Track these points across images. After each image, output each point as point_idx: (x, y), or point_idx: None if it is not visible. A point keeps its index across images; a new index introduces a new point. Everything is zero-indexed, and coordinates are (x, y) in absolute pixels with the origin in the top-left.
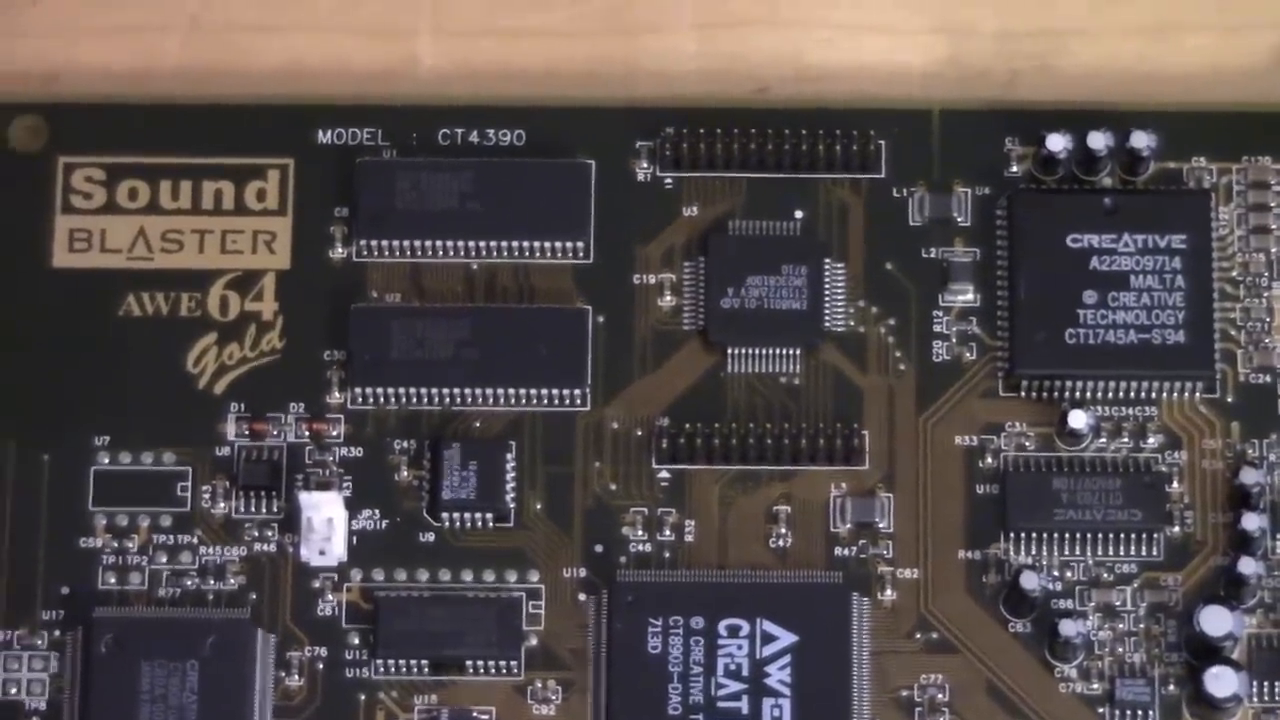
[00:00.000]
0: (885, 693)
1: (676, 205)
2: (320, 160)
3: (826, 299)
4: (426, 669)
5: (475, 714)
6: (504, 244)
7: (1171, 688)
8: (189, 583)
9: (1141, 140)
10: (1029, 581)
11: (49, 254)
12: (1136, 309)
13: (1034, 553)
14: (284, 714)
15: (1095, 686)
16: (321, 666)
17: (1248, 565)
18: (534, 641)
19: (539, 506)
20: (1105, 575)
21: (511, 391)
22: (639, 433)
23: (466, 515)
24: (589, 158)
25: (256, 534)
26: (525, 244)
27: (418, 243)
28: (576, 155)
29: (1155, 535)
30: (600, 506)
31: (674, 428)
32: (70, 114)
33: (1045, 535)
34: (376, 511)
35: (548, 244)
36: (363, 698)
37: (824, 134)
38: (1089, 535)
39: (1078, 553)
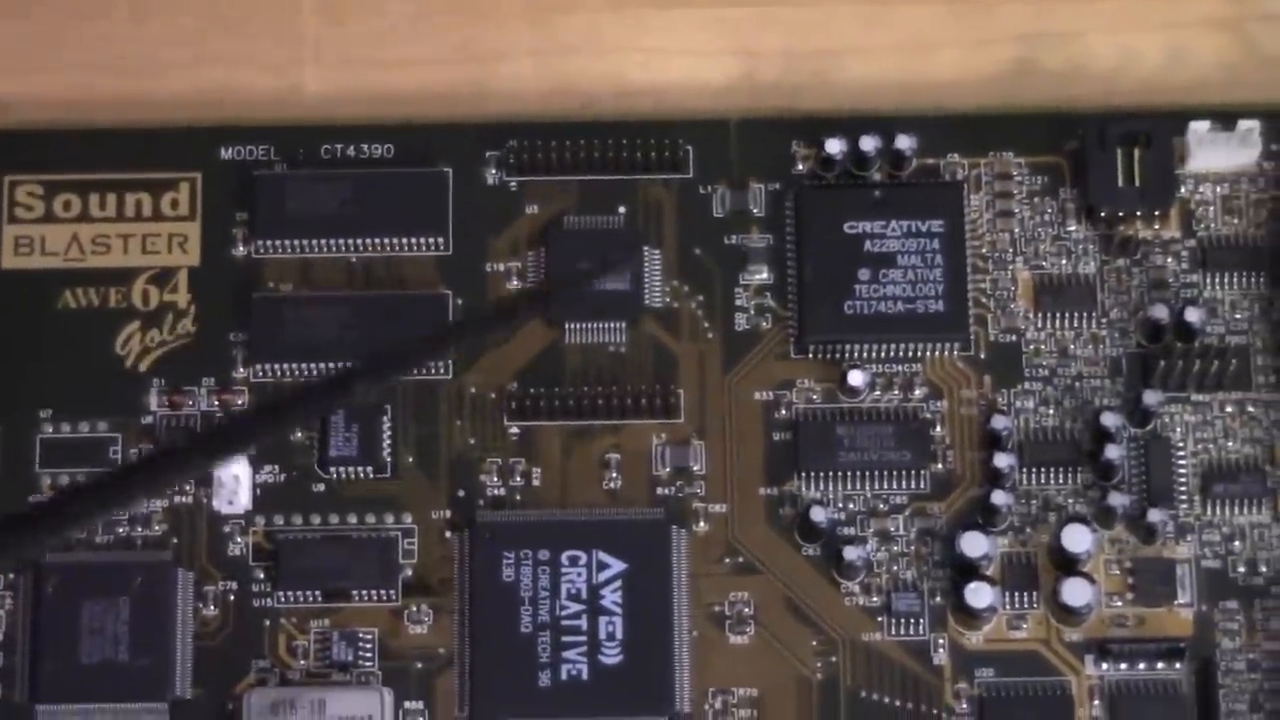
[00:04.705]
0: (701, 609)
1: (520, 205)
2: (223, 174)
3: (646, 280)
4: (320, 598)
5: (361, 634)
6: (377, 241)
7: (938, 599)
8: (120, 530)
9: (904, 142)
10: (817, 515)
11: None
12: (903, 283)
13: (822, 489)
14: (202, 638)
15: (875, 599)
16: (233, 598)
17: (999, 496)
18: (409, 573)
19: (410, 460)
20: (881, 506)
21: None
22: (493, 396)
23: (350, 469)
24: (447, 166)
25: (176, 489)
26: (395, 240)
27: (306, 241)
28: (437, 165)
29: (922, 471)
30: (461, 458)
31: (521, 391)
32: (14, 140)
33: (831, 474)
34: (276, 467)
35: (413, 240)
36: (267, 623)
37: (640, 142)
38: (867, 473)
39: (858, 487)
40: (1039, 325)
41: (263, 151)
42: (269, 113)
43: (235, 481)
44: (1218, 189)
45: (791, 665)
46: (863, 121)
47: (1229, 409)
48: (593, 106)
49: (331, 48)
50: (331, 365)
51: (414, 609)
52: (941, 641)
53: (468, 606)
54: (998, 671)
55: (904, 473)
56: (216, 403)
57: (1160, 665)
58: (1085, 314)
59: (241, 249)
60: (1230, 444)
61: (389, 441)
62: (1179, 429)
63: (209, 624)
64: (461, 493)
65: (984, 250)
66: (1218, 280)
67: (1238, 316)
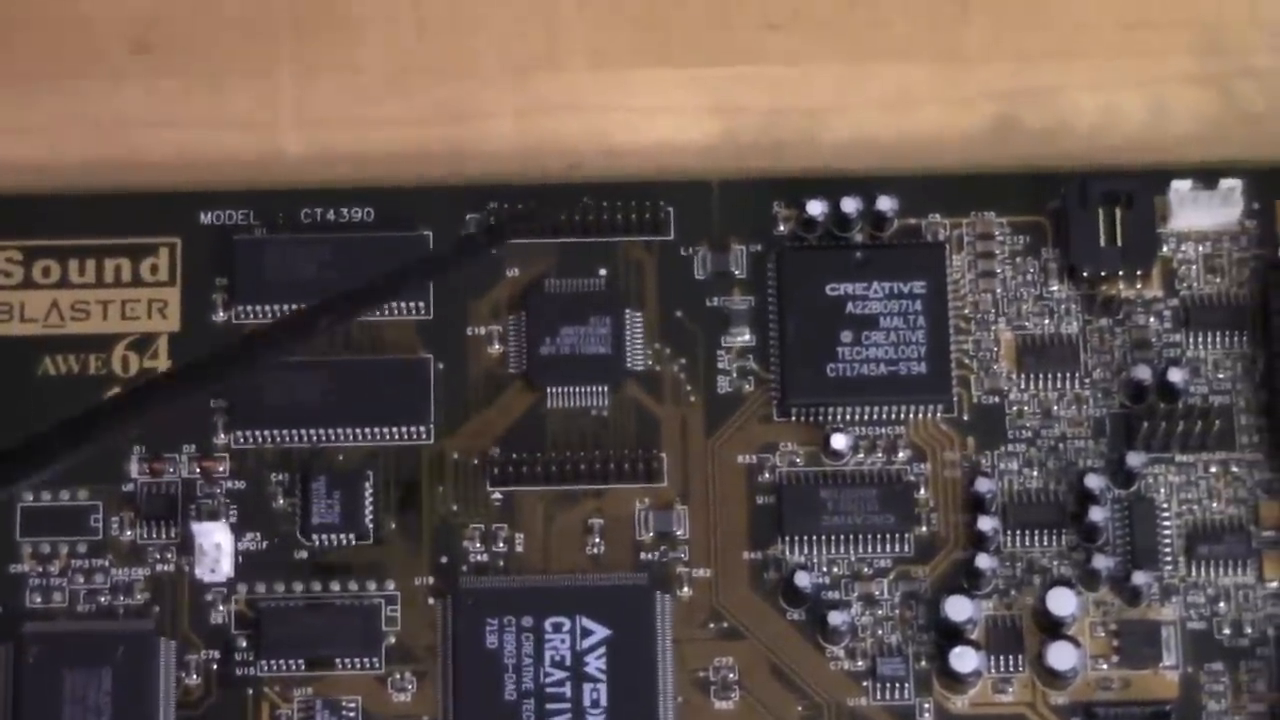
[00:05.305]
0: (685, 674)
1: (501, 268)
2: (203, 238)
3: (628, 343)
4: (303, 666)
5: (344, 703)
6: None
7: (923, 664)
8: (102, 599)
9: (885, 203)
10: (802, 580)
11: None
12: (885, 345)
13: (806, 553)
14: (184, 708)
15: (860, 664)
16: (215, 667)
17: (983, 560)
18: (392, 640)
19: (393, 525)
20: (865, 570)
21: (367, 430)
22: (475, 461)
23: (332, 535)
24: (427, 229)
25: (158, 556)
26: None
27: (286, 306)
28: (416, 228)
29: (906, 535)
30: (444, 524)
31: (504, 456)
32: None
33: (815, 538)
34: (258, 534)
35: (393, 304)
36: (250, 692)
37: (621, 203)
38: (851, 536)
39: (842, 551)
40: (1022, 386)
41: (242, 216)
42: (248, 175)
43: (217, 549)
44: (1200, 248)
45: None
46: (844, 182)
47: (1213, 469)
48: (580, 168)
49: (310, 109)
50: (312, 431)
51: (397, 676)
52: (927, 706)
53: (451, 674)
54: None
55: (888, 536)
56: (198, 470)
57: None
58: (1068, 375)
59: (221, 314)
60: (1215, 505)
61: (371, 508)
62: (1163, 490)
63: (192, 693)
64: (444, 559)
65: (966, 311)
66: (1201, 340)
67: (1221, 376)
